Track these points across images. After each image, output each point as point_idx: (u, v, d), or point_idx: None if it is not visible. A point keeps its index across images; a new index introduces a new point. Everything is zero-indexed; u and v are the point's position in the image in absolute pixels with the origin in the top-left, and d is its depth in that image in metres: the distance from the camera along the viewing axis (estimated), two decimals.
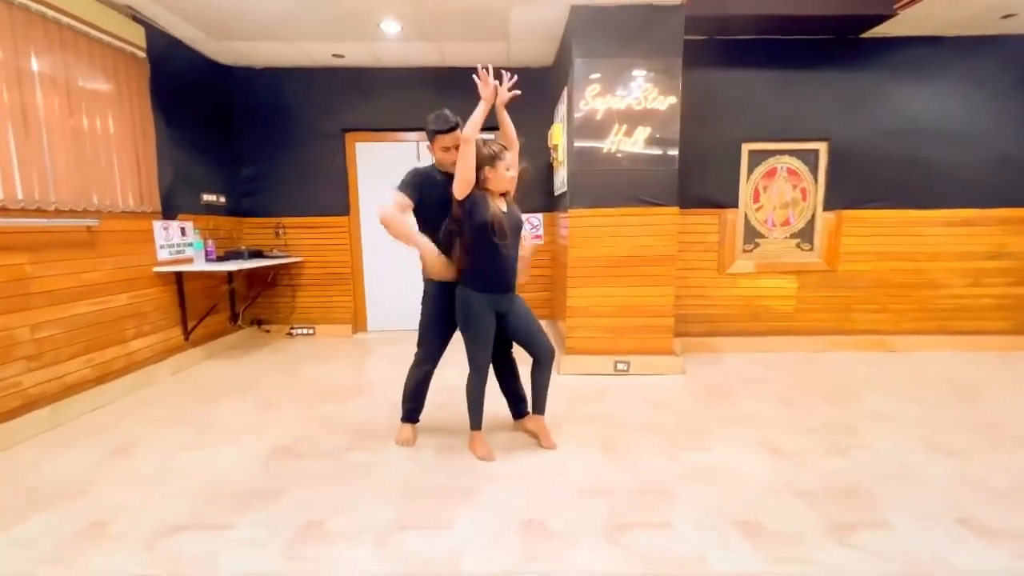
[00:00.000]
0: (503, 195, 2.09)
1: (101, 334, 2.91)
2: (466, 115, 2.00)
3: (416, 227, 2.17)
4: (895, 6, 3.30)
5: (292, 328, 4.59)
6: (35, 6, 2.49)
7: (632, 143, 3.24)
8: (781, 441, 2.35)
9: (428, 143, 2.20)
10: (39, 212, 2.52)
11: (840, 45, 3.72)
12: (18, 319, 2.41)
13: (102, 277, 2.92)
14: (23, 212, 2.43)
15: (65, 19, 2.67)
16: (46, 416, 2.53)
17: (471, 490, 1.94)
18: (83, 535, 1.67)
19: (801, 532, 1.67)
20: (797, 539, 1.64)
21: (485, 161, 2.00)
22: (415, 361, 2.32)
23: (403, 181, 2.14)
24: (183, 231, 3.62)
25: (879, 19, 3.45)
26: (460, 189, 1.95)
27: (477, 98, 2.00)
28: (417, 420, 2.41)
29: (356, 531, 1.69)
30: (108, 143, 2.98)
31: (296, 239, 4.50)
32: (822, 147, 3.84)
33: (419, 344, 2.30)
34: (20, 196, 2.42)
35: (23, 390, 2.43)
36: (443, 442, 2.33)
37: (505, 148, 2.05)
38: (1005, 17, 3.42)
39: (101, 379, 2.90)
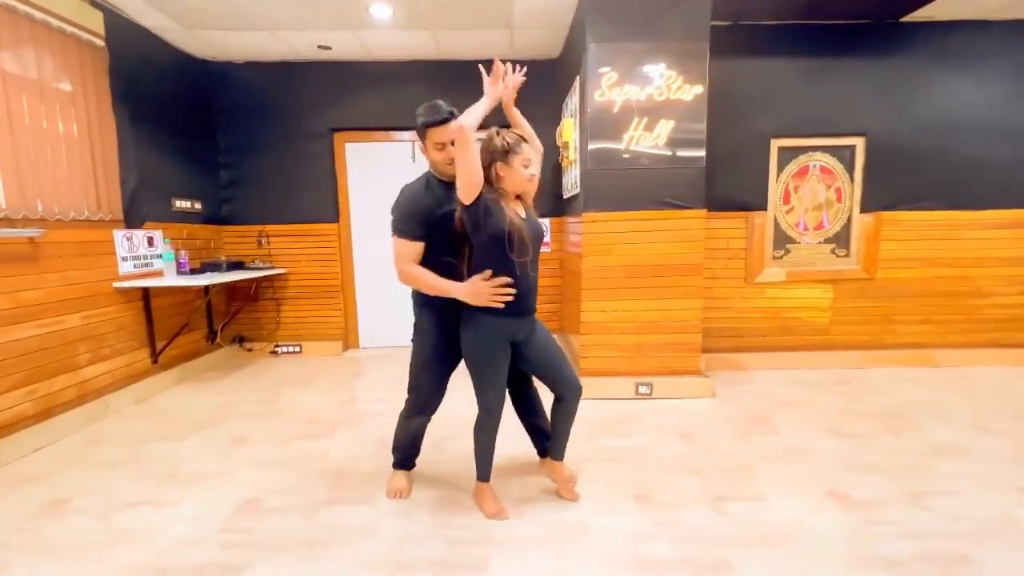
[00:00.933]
0: (518, 198, 1.71)
1: (47, 361, 2.52)
2: (464, 108, 1.61)
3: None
4: None
5: (277, 346, 4.20)
6: None
7: (653, 138, 2.88)
8: (845, 486, 1.97)
9: (420, 142, 1.79)
10: None
11: (878, 30, 3.37)
12: None
13: (47, 296, 2.53)
14: None
15: (14, 3, 2.31)
16: None
17: (477, 563, 1.55)
18: None
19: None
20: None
21: (497, 156, 1.62)
22: (406, 412, 1.90)
23: (397, 218, 1.70)
24: (150, 241, 3.24)
25: (920, 1, 3.11)
26: (466, 192, 1.55)
27: (480, 94, 1.62)
28: (412, 467, 2.03)
29: None
30: (57, 142, 2.61)
31: (281, 248, 4.12)
32: (859, 143, 3.48)
33: (411, 390, 1.87)
34: None
35: None
36: (443, 495, 1.94)
37: (522, 139, 1.66)
38: None
39: (46, 413, 2.50)
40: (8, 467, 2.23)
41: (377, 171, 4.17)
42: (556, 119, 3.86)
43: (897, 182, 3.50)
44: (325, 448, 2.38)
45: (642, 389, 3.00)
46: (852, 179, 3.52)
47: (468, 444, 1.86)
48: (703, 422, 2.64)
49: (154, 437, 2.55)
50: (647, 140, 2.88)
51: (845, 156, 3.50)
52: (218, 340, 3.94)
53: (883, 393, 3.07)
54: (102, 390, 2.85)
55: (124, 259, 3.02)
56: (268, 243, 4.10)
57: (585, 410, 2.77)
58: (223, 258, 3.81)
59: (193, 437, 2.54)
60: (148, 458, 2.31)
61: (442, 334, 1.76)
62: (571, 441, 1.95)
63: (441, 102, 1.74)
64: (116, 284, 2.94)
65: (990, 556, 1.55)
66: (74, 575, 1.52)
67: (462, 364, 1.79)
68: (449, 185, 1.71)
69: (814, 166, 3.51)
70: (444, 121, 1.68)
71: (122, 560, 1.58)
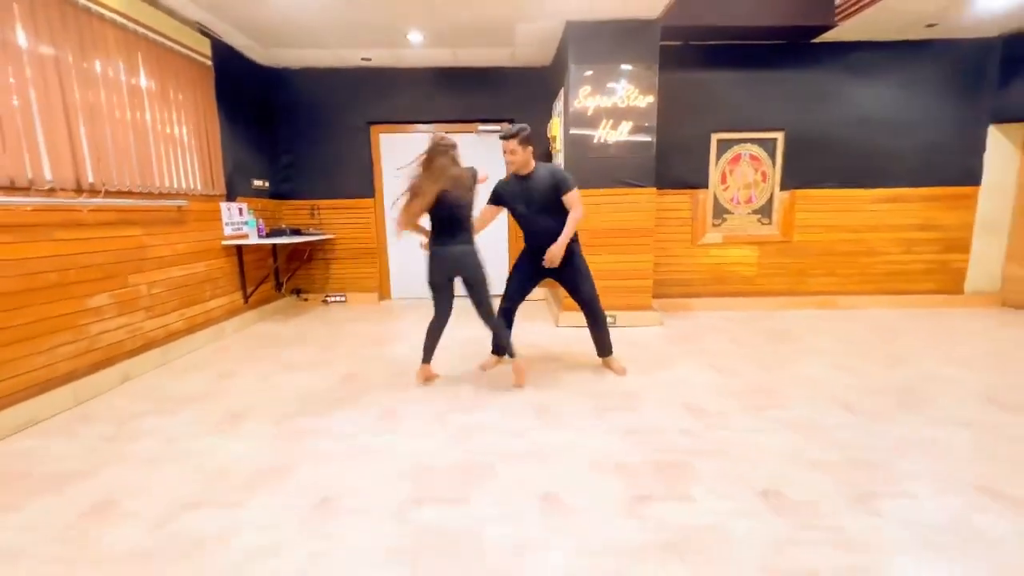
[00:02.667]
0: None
1: (189, 294, 3.61)
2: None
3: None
4: (836, 18, 3.98)
5: (327, 296, 5.30)
6: (140, 29, 3.13)
7: (617, 135, 3.92)
8: (724, 365, 3.11)
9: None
10: (150, 195, 3.20)
11: (794, 49, 4.39)
12: (140, 278, 3.11)
13: (189, 247, 3.61)
14: (139, 195, 3.11)
15: (160, 39, 3.31)
16: (158, 355, 3.25)
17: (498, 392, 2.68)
18: (222, 423, 2.41)
19: (724, 411, 2.42)
20: (722, 416, 2.39)
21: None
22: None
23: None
24: (240, 211, 4.29)
25: (824, 28, 4.12)
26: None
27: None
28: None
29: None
30: (190, 140, 3.64)
31: (329, 219, 5.18)
32: (779, 136, 4.53)
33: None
34: (138, 181, 3.09)
35: (145, 333, 3.14)
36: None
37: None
38: (929, 26, 4.09)
39: (190, 329, 3.61)
40: (180, 360, 3.35)
41: (405, 157, 5.16)
42: (548, 115, 4.87)
43: (808, 167, 4.56)
44: (389, 352, 3.50)
45: (608, 320, 4.11)
46: (774, 164, 4.58)
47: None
48: (649, 339, 3.77)
49: (265, 349, 3.67)
50: (613, 135, 3.93)
51: (769, 146, 4.55)
52: (283, 291, 5.03)
53: (783, 322, 4.20)
54: (218, 319, 3.95)
55: (227, 224, 4.08)
56: (319, 214, 5.15)
57: (570, 333, 3.89)
58: (285, 226, 4.87)
59: (290, 348, 3.65)
60: (264, 359, 3.43)
61: None
62: (552, 350, 3.05)
63: (512, 125, 2.73)
64: (223, 242, 4.01)
65: (793, 392, 2.68)
66: (267, 395, 2.64)
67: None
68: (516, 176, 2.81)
69: (745, 154, 4.56)
70: (504, 138, 2.70)
71: (290, 392, 2.71)
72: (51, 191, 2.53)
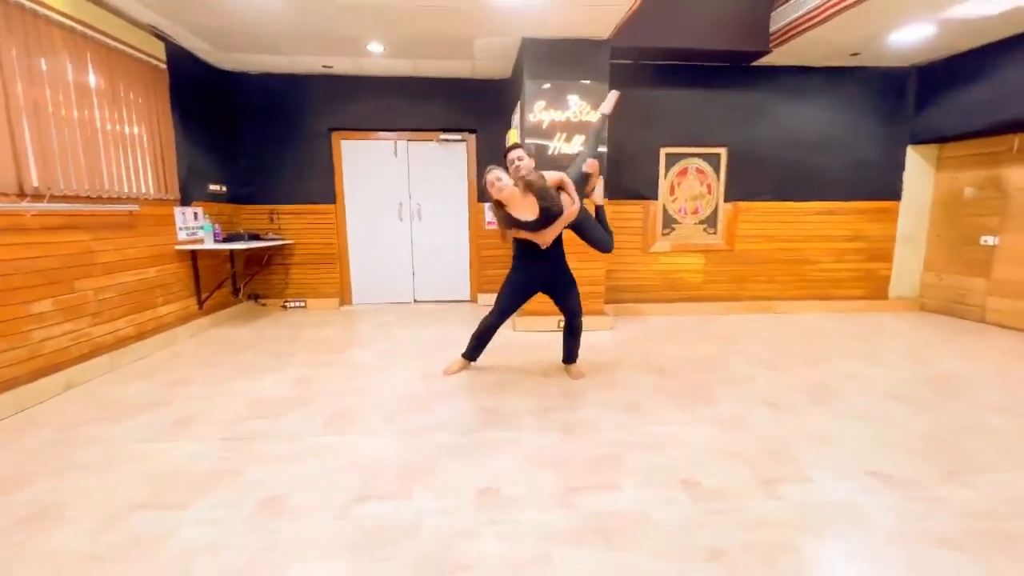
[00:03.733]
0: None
1: (140, 300, 3.56)
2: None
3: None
4: (771, 44, 4.30)
5: (286, 302, 5.27)
6: (89, 31, 3.10)
7: (571, 147, 4.11)
8: (666, 366, 3.32)
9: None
10: (99, 200, 3.15)
11: (736, 71, 4.71)
12: (87, 284, 3.06)
13: (140, 252, 3.56)
14: (87, 199, 3.07)
15: (112, 42, 3.28)
16: (105, 362, 3.20)
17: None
18: (170, 428, 2.42)
19: (662, 407, 2.61)
20: (659, 411, 2.57)
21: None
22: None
23: None
24: (196, 216, 4.25)
25: (761, 53, 4.44)
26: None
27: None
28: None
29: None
30: (142, 143, 3.60)
31: (288, 224, 5.16)
32: (723, 151, 4.84)
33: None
34: (86, 186, 3.05)
35: (92, 340, 3.09)
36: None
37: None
38: (853, 55, 4.48)
39: (141, 336, 3.56)
40: (131, 366, 3.30)
41: (366, 163, 5.25)
42: (508, 126, 5.03)
43: (750, 180, 4.88)
44: (346, 357, 3.55)
45: (562, 324, 4.28)
46: (719, 178, 4.89)
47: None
48: (600, 342, 3.95)
49: (218, 355, 3.65)
50: (566, 148, 4.11)
51: (714, 161, 4.85)
52: (240, 296, 4.98)
53: (725, 325, 4.48)
54: (170, 325, 3.90)
55: (180, 229, 4.03)
56: (278, 219, 5.13)
57: (523, 338, 4.04)
58: (243, 231, 4.83)
59: (245, 353, 3.65)
60: (224, 363, 3.42)
61: None
62: (509, 356, 3.18)
63: (521, 146, 2.90)
64: (176, 247, 3.96)
65: (724, 391, 2.90)
66: (214, 407, 2.66)
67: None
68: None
69: (692, 168, 4.85)
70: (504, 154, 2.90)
71: (241, 399, 2.73)
72: None
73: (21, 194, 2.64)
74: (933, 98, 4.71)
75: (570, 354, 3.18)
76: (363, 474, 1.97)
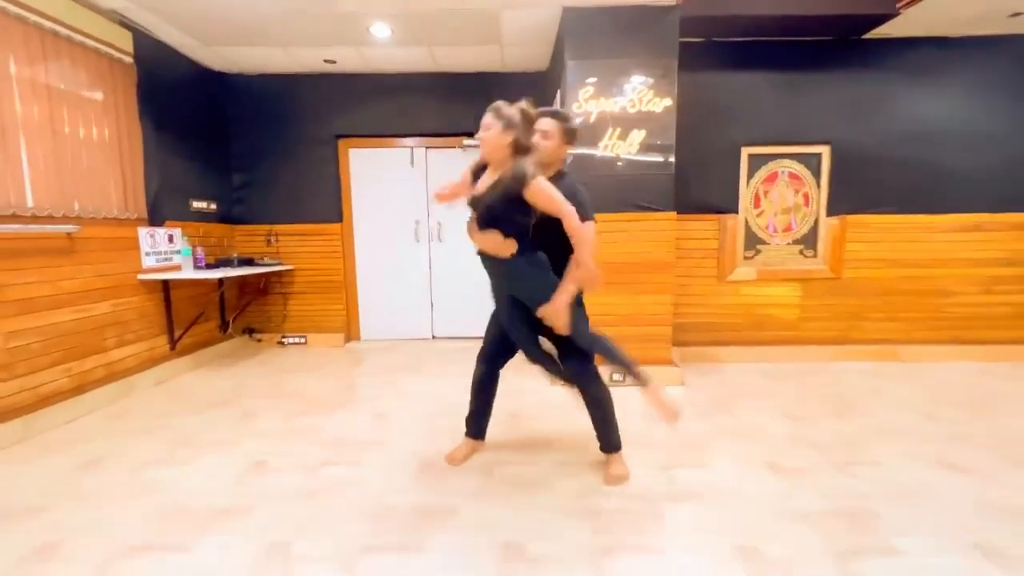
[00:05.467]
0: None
1: (81, 343, 2.83)
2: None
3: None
4: (898, 5, 3.21)
5: (284, 337, 4.51)
6: (12, 8, 2.46)
7: (627, 146, 3.15)
8: (781, 455, 2.22)
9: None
10: (14, 218, 2.46)
11: (842, 46, 3.62)
12: None
13: (82, 285, 2.85)
14: (2, 218, 2.37)
15: (48, 23, 2.63)
16: (18, 428, 2.44)
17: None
18: (36, 555, 1.57)
19: (802, 557, 1.54)
20: (798, 565, 1.50)
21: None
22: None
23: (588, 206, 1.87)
24: (171, 238, 3.56)
25: (882, 19, 3.35)
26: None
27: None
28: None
29: None
30: (91, 149, 2.93)
31: (288, 247, 4.43)
32: (825, 151, 3.72)
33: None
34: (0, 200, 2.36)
35: None
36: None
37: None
38: (1013, 16, 3.31)
39: (79, 389, 2.82)
40: (47, 434, 2.54)
41: (377, 175, 4.47)
42: None
43: (862, 188, 3.73)
44: (323, 423, 2.67)
45: (616, 377, 3.25)
46: (819, 185, 3.76)
47: None
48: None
49: (174, 412, 2.85)
50: (621, 148, 3.15)
51: (812, 163, 3.74)
52: (230, 331, 4.25)
53: (845, 385, 3.30)
54: (127, 371, 3.16)
55: (147, 254, 3.34)
56: (277, 241, 4.41)
57: (564, 395, 3.05)
58: (235, 255, 4.13)
59: (201, 415, 2.83)
60: (168, 429, 2.61)
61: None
62: (550, 422, 2.20)
63: (556, 113, 1.96)
64: (140, 276, 3.26)
65: (894, 512, 1.79)
66: (107, 516, 1.81)
67: None
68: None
69: (783, 172, 3.75)
70: (545, 115, 1.92)
71: (147, 504, 1.87)
72: None
73: None
74: None
75: (600, 438, 2.13)
76: None
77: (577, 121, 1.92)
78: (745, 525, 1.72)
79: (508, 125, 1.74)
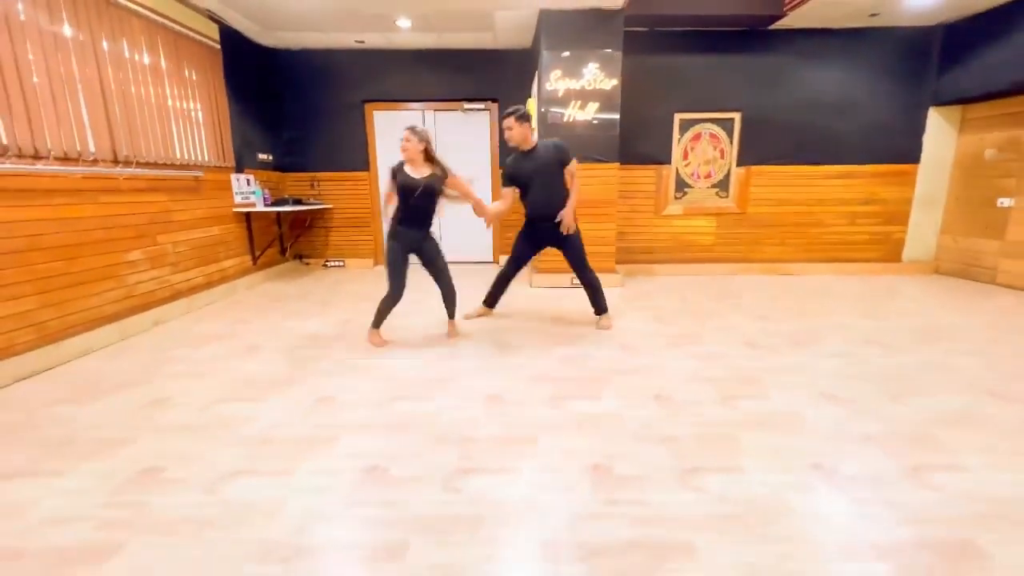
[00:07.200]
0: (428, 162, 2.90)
1: (207, 254, 4.14)
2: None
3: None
4: (784, 8, 4.37)
5: (327, 261, 5.83)
6: (159, 17, 3.57)
7: (584, 114, 4.37)
8: (665, 316, 3.66)
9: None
10: (171, 166, 3.69)
11: (751, 36, 4.78)
12: (167, 238, 3.63)
13: (204, 213, 4.11)
14: (164, 166, 3.60)
15: (175, 25, 3.74)
16: (184, 305, 3.80)
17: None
18: (241, 354, 2.97)
19: (652, 346, 2.98)
20: (651, 343, 2.94)
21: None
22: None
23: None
24: (248, 182, 4.78)
25: (775, 17, 4.51)
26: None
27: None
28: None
29: None
30: (202, 117, 4.10)
31: (328, 190, 5.66)
32: (737, 116, 4.97)
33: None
34: (162, 154, 3.58)
35: (172, 285, 3.69)
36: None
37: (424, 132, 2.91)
38: (872, 15, 4.48)
39: (209, 285, 4.15)
40: (199, 311, 3.90)
41: (396, 133, 5.62)
42: (527, 94, 5.29)
43: (763, 145, 5.01)
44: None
45: (574, 281, 4.63)
46: (732, 142, 5.03)
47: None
48: (609, 297, 4.30)
49: (276, 300, 4.22)
50: (580, 115, 4.38)
51: (727, 126, 4.99)
52: (287, 255, 5.55)
53: (732, 285, 4.73)
54: (231, 277, 4.49)
55: (236, 193, 4.57)
56: (318, 186, 5.63)
57: (542, 294, 4.43)
58: (288, 196, 5.36)
59: (300, 300, 4.20)
60: (275, 311, 3.98)
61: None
62: (529, 307, 3.58)
63: (520, 108, 3.13)
64: (234, 209, 4.51)
65: (709, 335, 3.23)
66: (280, 334, 3.20)
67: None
68: (520, 151, 3.18)
69: (705, 133, 5.00)
70: (503, 117, 3.14)
71: (294, 336, 3.26)
72: (94, 161, 3.03)
73: (115, 160, 3.18)
74: (959, 57, 4.66)
75: (596, 306, 3.40)
76: (396, 385, 2.45)
77: (522, 108, 3.09)
78: (628, 340, 3.15)
79: (420, 139, 2.88)
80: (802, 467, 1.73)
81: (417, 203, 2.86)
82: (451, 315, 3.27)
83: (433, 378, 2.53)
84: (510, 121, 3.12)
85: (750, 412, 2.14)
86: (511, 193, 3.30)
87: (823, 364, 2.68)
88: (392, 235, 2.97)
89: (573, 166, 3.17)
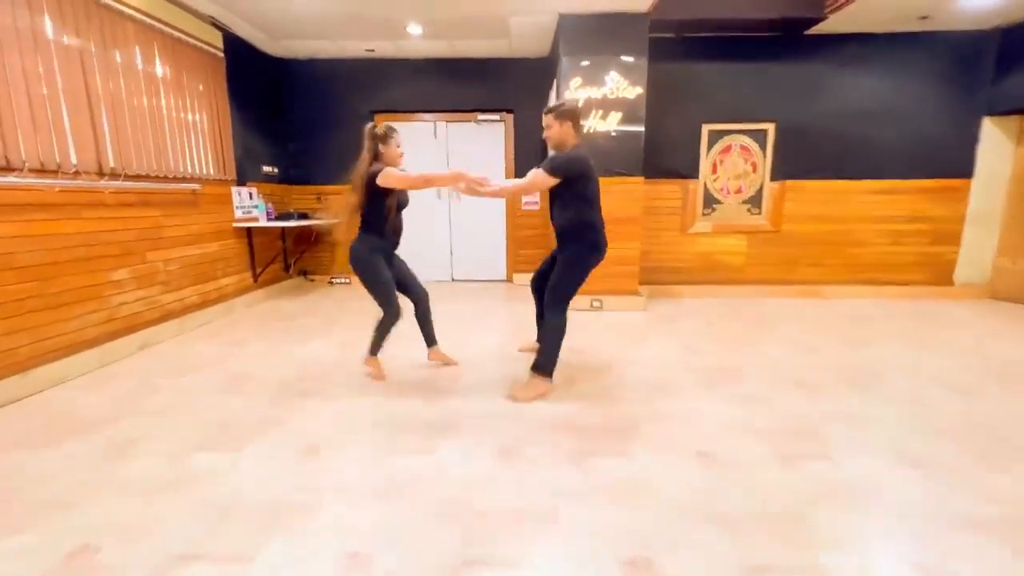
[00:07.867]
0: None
1: (203, 271, 3.90)
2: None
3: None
4: (825, 10, 4.03)
5: (332, 278, 5.57)
6: (156, 23, 3.37)
7: (607, 125, 4.07)
8: (696, 345, 3.29)
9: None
10: (164, 179, 3.47)
11: (786, 41, 4.45)
12: (157, 255, 3.39)
13: (201, 228, 3.88)
14: (156, 179, 3.38)
15: (174, 32, 3.55)
16: (175, 326, 3.54)
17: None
18: (227, 386, 2.68)
19: (685, 384, 2.61)
20: (683, 381, 2.58)
21: (379, 139, 2.56)
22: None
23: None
24: (251, 195, 4.56)
25: (814, 21, 4.17)
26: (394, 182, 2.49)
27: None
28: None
29: None
30: (202, 127, 3.89)
31: (334, 204, 5.42)
32: (770, 127, 4.62)
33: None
34: (155, 166, 3.36)
35: (162, 306, 3.44)
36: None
37: (394, 129, 2.63)
38: (921, 18, 4.12)
39: (203, 304, 3.90)
40: (191, 332, 3.64)
41: (406, 144, 5.35)
42: (545, 103, 5.01)
43: (799, 158, 4.64)
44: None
45: (595, 303, 4.30)
46: (765, 155, 4.68)
47: None
48: (631, 321, 3.95)
49: (275, 320, 3.95)
50: (602, 126, 4.07)
51: (760, 138, 4.64)
52: (290, 272, 5.31)
53: (763, 309, 4.34)
54: (229, 295, 4.25)
55: (237, 207, 4.35)
56: (325, 200, 5.40)
57: None
58: (293, 210, 5.13)
59: (302, 319, 3.92)
60: (273, 332, 3.70)
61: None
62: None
63: (563, 103, 2.49)
64: (234, 224, 4.28)
65: (750, 371, 2.85)
66: (272, 366, 2.91)
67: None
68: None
69: (736, 145, 4.66)
70: (544, 113, 2.51)
71: (293, 362, 2.97)
72: (76, 174, 2.80)
73: (100, 173, 2.96)
74: (1019, 63, 4.26)
75: (538, 355, 2.58)
76: (392, 431, 2.13)
77: (568, 103, 2.49)
78: (654, 372, 2.79)
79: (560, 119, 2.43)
80: (899, 567, 1.35)
81: (399, 216, 2.84)
82: (432, 339, 2.92)
83: (435, 422, 2.20)
84: (549, 119, 2.49)
85: (815, 479, 1.77)
86: (545, 183, 2.45)
87: (892, 413, 2.28)
88: (375, 249, 2.69)
89: (534, 172, 2.44)
